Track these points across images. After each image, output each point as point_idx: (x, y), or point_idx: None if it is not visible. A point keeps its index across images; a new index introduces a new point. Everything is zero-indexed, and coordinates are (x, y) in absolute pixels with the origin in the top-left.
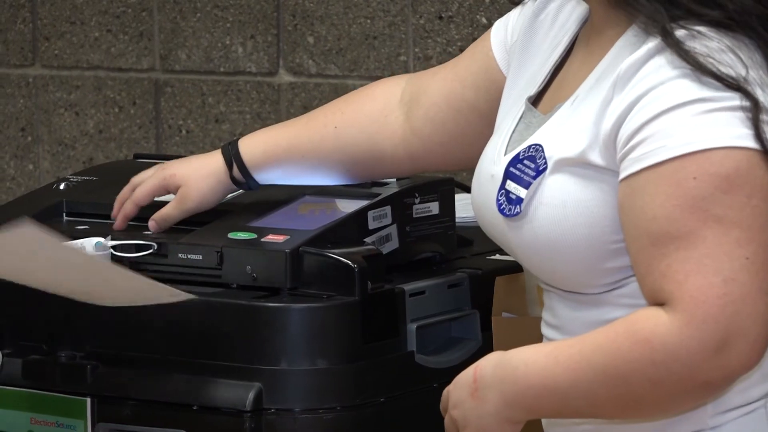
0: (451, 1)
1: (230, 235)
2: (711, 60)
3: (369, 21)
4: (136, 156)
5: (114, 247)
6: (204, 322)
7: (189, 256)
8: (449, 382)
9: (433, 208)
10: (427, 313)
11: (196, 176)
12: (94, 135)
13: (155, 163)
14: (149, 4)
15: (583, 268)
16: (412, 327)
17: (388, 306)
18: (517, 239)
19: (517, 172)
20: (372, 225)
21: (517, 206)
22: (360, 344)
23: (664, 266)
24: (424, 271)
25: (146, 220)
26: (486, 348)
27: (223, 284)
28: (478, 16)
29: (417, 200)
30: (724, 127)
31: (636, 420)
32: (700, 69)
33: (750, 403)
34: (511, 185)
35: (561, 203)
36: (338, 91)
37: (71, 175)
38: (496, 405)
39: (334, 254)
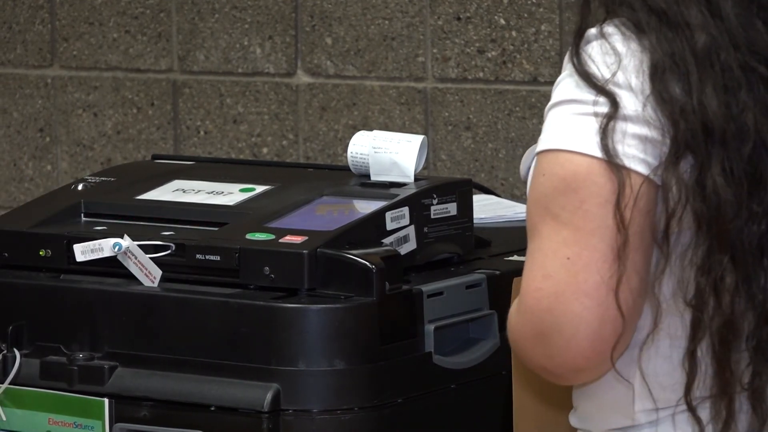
0: (470, 1)
1: (248, 236)
2: (591, 62)
3: (387, 22)
4: (155, 157)
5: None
6: (222, 323)
7: (207, 257)
8: (467, 382)
9: (451, 208)
10: (445, 313)
11: None
12: (112, 136)
13: (173, 165)
14: (167, 5)
15: None
16: (430, 328)
17: (406, 307)
18: None
19: None
20: (390, 226)
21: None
22: (378, 345)
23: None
24: (442, 271)
25: (164, 220)
26: (504, 349)
27: (240, 285)
28: (496, 17)
29: (435, 201)
30: (579, 131)
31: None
32: (578, 70)
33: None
34: None
35: None
36: (356, 92)
37: (89, 175)
38: None
39: (352, 255)
